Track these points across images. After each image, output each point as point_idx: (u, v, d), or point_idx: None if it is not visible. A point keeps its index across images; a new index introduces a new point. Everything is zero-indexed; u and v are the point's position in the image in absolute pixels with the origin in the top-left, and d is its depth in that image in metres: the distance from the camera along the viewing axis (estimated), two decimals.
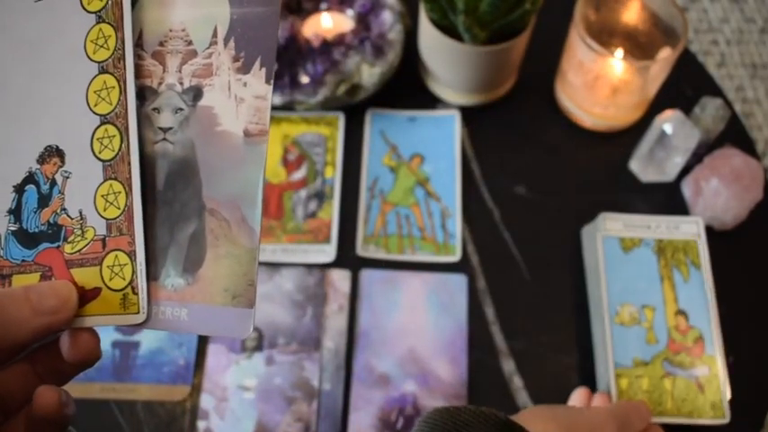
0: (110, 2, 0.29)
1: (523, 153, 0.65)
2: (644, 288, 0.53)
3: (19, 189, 0.29)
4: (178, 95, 0.29)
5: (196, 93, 0.29)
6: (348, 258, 0.59)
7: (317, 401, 0.53)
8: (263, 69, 0.28)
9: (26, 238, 0.29)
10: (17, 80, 0.29)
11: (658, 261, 0.54)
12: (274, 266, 0.58)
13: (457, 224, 0.60)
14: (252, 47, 0.29)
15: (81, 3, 0.29)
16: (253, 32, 0.29)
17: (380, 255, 0.59)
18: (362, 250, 0.59)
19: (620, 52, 0.61)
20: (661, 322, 0.52)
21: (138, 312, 0.27)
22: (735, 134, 0.64)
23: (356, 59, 0.63)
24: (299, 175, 0.63)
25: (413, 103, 0.67)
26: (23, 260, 0.29)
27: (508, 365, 0.55)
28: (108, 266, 0.28)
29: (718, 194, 0.58)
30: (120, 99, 0.28)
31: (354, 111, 0.66)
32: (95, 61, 0.29)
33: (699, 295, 0.53)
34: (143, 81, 0.29)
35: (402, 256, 0.59)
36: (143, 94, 0.29)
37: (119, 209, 0.28)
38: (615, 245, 0.55)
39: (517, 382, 0.55)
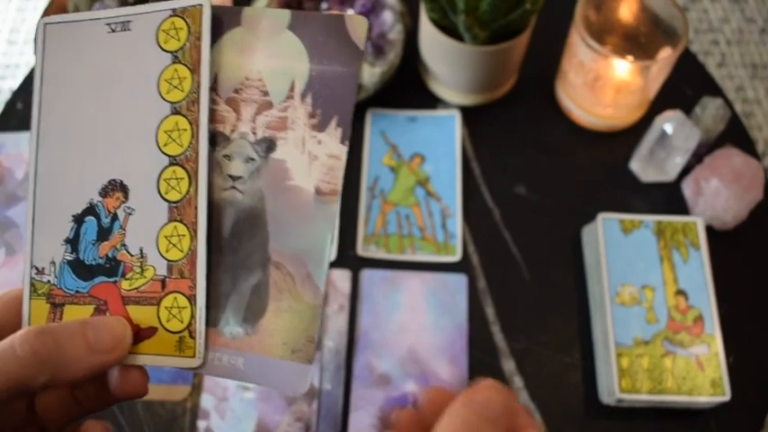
0: (188, 44, 0.28)
1: (524, 153, 0.65)
2: (644, 269, 0.54)
3: (78, 219, 0.29)
4: (251, 145, 0.29)
5: (269, 144, 0.29)
6: (348, 258, 0.59)
7: (317, 401, 0.53)
8: (339, 129, 0.28)
9: (82, 270, 0.28)
10: (87, 109, 0.29)
11: (658, 242, 0.55)
12: None
13: (457, 224, 0.61)
14: (329, 105, 0.28)
15: (157, 40, 0.29)
16: (330, 91, 0.28)
17: (381, 255, 0.59)
18: (363, 250, 0.59)
19: (620, 52, 0.61)
20: (661, 302, 0.53)
21: (194, 357, 0.27)
22: (735, 134, 0.64)
23: None
24: None
25: (413, 103, 0.67)
26: (77, 291, 0.28)
27: (508, 365, 0.55)
28: (166, 307, 0.28)
29: (718, 194, 0.58)
30: (191, 142, 0.28)
31: (355, 111, 0.66)
32: (168, 101, 0.28)
33: (698, 275, 0.54)
34: (216, 126, 0.29)
35: (402, 256, 0.59)
36: (214, 140, 0.29)
37: (182, 252, 0.28)
38: (615, 226, 0.56)
39: (517, 382, 0.55)
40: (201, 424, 0.52)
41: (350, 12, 0.68)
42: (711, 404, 0.51)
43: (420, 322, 0.56)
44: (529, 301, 0.58)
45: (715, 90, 0.67)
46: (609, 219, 0.56)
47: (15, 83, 1.36)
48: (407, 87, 0.68)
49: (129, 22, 0.29)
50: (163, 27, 0.29)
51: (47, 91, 0.30)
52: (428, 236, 0.60)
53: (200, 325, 0.27)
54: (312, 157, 0.28)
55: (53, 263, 0.29)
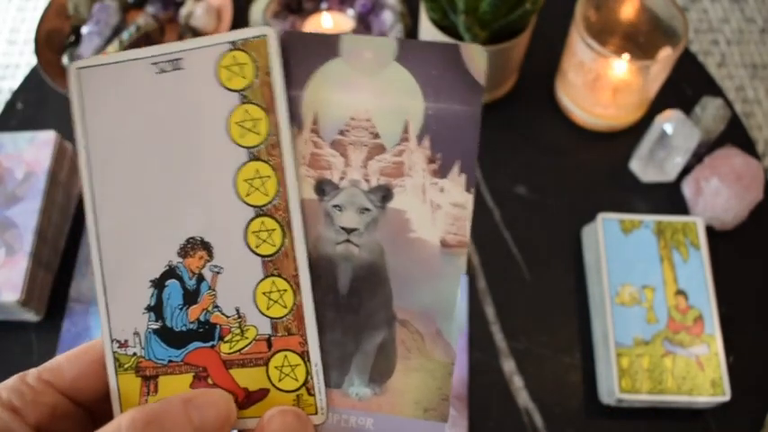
0: (256, 80, 0.25)
1: (523, 153, 0.65)
2: (644, 269, 0.54)
3: (158, 284, 0.26)
4: (364, 194, 0.26)
5: (385, 193, 0.26)
6: None
7: None
8: (463, 175, 0.26)
9: (172, 337, 0.26)
10: (147, 162, 0.26)
11: (658, 242, 0.55)
12: None
13: None
14: (450, 148, 0.26)
15: (219, 79, 0.26)
16: (450, 132, 0.26)
17: None
18: None
19: (620, 52, 0.61)
20: (661, 302, 0.53)
21: (316, 413, 0.26)
22: (735, 134, 0.64)
23: None
24: None
25: None
26: (171, 360, 0.26)
27: (508, 365, 0.55)
28: (276, 367, 0.26)
29: (718, 194, 0.58)
30: (278, 190, 0.26)
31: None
32: (243, 146, 0.26)
33: (698, 275, 0.54)
34: (321, 173, 0.26)
35: None
36: (322, 189, 0.26)
37: (285, 308, 0.26)
38: (615, 226, 0.56)
39: (517, 382, 0.55)
40: None
41: (350, 12, 0.68)
42: (711, 404, 0.51)
43: None
44: (529, 301, 0.58)
45: (715, 90, 0.67)
46: (609, 219, 0.56)
47: (15, 83, 1.36)
48: None
49: (179, 60, 0.26)
50: (222, 63, 0.26)
51: (95, 146, 0.27)
52: None
53: (317, 381, 0.26)
54: (435, 207, 0.26)
55: (137, 333, 0.26)
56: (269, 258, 0.26)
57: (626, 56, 0.61)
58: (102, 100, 0.27)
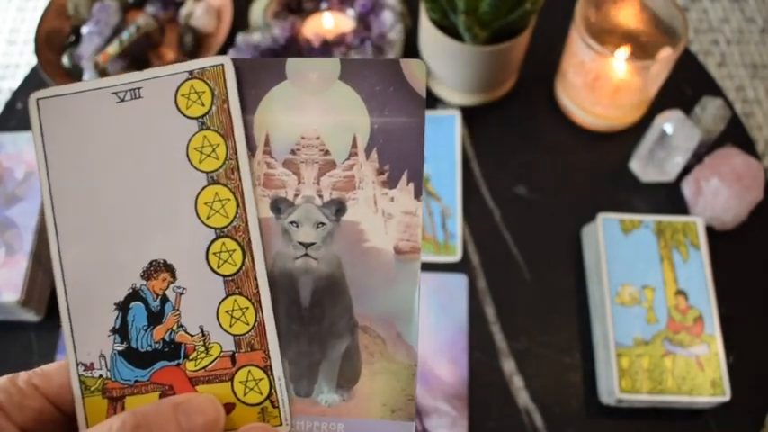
0: (214, 107, 0.26)
1: (524, 153, 0.65)
2: (644, 269, 0.54)
3: (122, 307, 0.27)
4: (318, 209, 0.27)
5: (339, 207, 0.27)
6: None
7: None
8: (412, 184, 0.27)
9: (138, 358, 0.27)
10: (107, 189, 0.27)
11: (658, 242, 0.55)
12: None
13: (457, 224, 0.61)
14: (397, 159, 0.27)
15: (177, 107, 0.27)
16: (396, 144, 0.27)
17: None
18: None
19: (620, 52, 0.61)
20: (661, 302, 0.53)
21: (281, 425, 0.27)
22: (735, 134, 0.64)
23: None
24: None
25: None
26: (137, 380, 0.27)
27: (508, 365, 0.55)
28: (240, 382, 0.27)
29: (718, 194, 0.58)
30: (237, 212, 0.27)
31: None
32: (203, 171, 0.27)
33: (698, 275, 0.54)
34: (276, 192, 0.27)
35: None
36: (277, 207, 0.27)
37: (248, 324, 0.27)
38: (615, 226, 0.56)
39: (517, 382, 0.55)
40: None
41: (350, 12, 0.68)
42: (711, 404, 0.51)
43: (420, 323, 0.56)
44: (529, 301, 0.58)
45: (715, 90, 0.67)
46: (609, 219, 0.56)
47: (15, 83, 1.36)
48: None
49: (139, 89, 0.27)
50: (181, 92, 0.27)
51: (56, 175, 0.27)
52: (428, 236, 0.60)
53: (281, 393, 0.27)
54: (387, 216, 0.27)
55: (102, 356, 0.27)
56: (230, 278, 0.27)
57: (626, 55, 0.61)
58: (62, 129, 0.27)
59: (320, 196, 0.27)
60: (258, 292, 0.27)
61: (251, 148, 0.27)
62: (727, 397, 0.49)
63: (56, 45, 0.69)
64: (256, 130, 0.27)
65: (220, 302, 0.27)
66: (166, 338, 0.27)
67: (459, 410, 0.53)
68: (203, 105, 0.27)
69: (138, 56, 0.68)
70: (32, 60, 0.68)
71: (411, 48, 0.67)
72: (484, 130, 0.66)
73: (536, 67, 0.68)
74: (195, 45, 0.68)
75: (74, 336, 0.27)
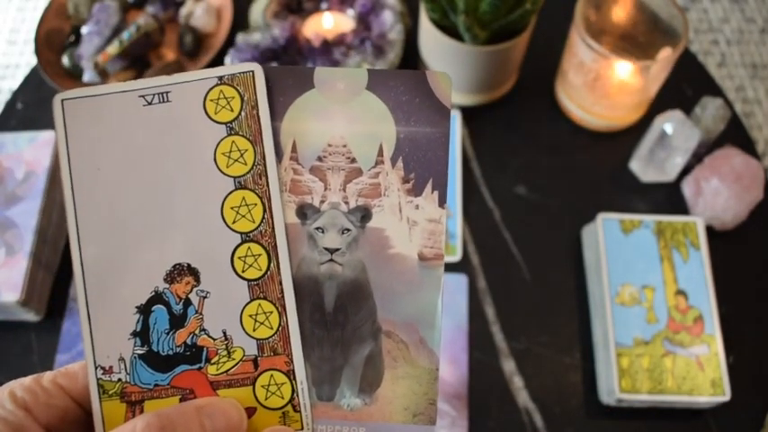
0: (243, 113, 0.27)
1: (523, 153, 0.65)
2: (644, 269, 0.54)
3: (144, 310, 0.27)
4: (344, 215, 0.28)
5: (364, 213, 0.28)
6: None
7: None
8: (436, 192, 0.28)
9: (158, 361, 0.27)
10: (133, 191, 0.27)
11: (658, 242, 0.55)
12: None
13: (457, 224, 0.61)
14: (422, 168, 0.28)
15: (206, 111, 0.27)
16: (422, 153, 0.28)
17: None
18: None
19: (620, 52, 0.61)
20: (661, 302, 0.53)
21: (302, 429, 0.27)
22: (735, 134, 0.64)
23: (357, 59, 0.63)
24: None
25: None
26: (157, 384, 0.27)
27: (508, 365, 0.55)
28: (263, 386, 0.27)
29: (718, 194, 0.58)
30: (264, 217, 0.27)
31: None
32: (230, 176, 0.27)
33: (698, 276, 0.54)
34: (303, 198, 0.28)
35: None
36: (303, 213, 0.28)
37: (271, 329, 0.27)
38: (615, 226, 0.56)
39: (517, 382, 0.55)
40: None
41: (350, 12, 0.68)
42: (711, 404, 0.51)
43: None
44: (529, 301, 0.58)
45: (715, 90, 0.67)
46: (609, 219, 0.56)
47: (15, 83, 1.36)
48: None
49: (167, 92, 0.27)
50: (210, 97, 0.27)
51: (79, 176, 0.27)
52: None
53: (302, 398, 0.27)
54: (411, 223, 0.28)
55: (122, 359, 0.27)
56: (255, 282, 0.27)
57: (626, 56, 0.61)
58: (87, 129, 0.27)
59: (346, 203, 0.28)
60: (283, 296, 0.27)
61: (278, 154, 0.27)
62: (727, 397, 0.50)
63: (56, 45, 0.69)
64: (283, 137, 0.27)
65: (244, 307, 0.27)
66: (188, 342, 0.27)
67: (458, 410, 0.53)
68: (232, 111, 0.27)
69: (138, 56, 0.68)
70: (32, 60, 0.68)
71: (411, 48, 0.67)
72: (484, 130, 0.66)
73: (536, 67, 0.68)
74: (195, 45, 0.68)
75: (93, 339, 0.27)
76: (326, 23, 0.68)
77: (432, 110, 0.27)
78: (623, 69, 0.59)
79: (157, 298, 0.27)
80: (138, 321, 0.27)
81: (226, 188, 0.27)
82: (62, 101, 0.27)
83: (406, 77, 0.27)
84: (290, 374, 0.27)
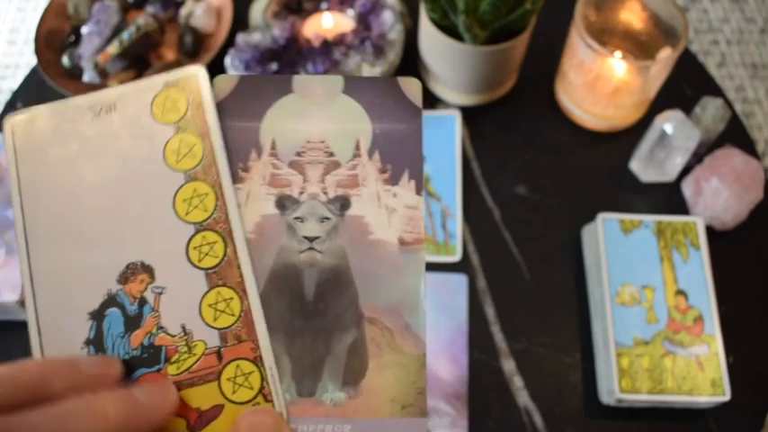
0: (189, 112, 0.28)
1: (524, 153, 0.65)
2: (644, 269, 0.54)
3: (96, 315, 0.26)
4: (323, 205, 0.28)
5: (343, 202, 0.28)
6: None
7: None
8: (413, 181, 0.29)
9: None
10: (81, 197, 0.27)
11: (658, 242, 0.55)
12: None
13: (457, 224, 0.61)
14: (398, 160, 0.29)
15: (152, 114, 0.28)
16: (397, 146, 0.29)
17: None
18: None
19: (620, 52, 0.61)
20: (661, 302, 0.53)
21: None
22: (735, 134, 0.64)
23: (357, 59, 0.63)
24: None
25: None
26: None
27: (508, 365, 0.55)
28: (228, 379, 0.26)
29: (718, 194, 0.58)
30: (217, 204, 0.27)
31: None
32: (180, 170, 0.27)
33: (698, 276, 0.54)
34: (282, 190, 0.28)
35: None
36: (283, 204, 0.28)
37: (233, 315, 0.26)
38: (615, 226, 0.56)
39: (517, 382, 0.55)
40: None
41: (350, 12, 0.68)
42: (711, 404, 0.51)
43: None
44: (529, 301, 0.58)
45: (715, 90, 0.67)
46: (609, 219, 0.56)
47: (15, 83, 1.36)
48: None
49: (114, 104, 0.28)
50: (157, 102, 0.28)
51: (27, 187, 0.27)
52: (428, 236, 0.60)
53: (273, 385, 0.26)
54: (390, 210, 0.28)
55: None
56: (212, 270, 0.27)
57: (626, 56, 0.61)
58: (34, 137, 0.28)
59: (325, 193, 0.29)
60: (242, 280, 0.27)
61: (257, 151, 0.28)
62: (727, 397, 0.50)
63: (56, 45, 0.69)
64: (263, 136, 0.28)
65: (203, 297, 0.26)
66: (145, 343, 0.26)
67: (458, 410, 0.53)
68: (178, 111, 0.28)
69: (138, 56, 0.68)
70: (32, 60, 0.68)
71: (411, 48, 0.67)
72: (484, 130, 0.66)
73: (536, 67, 0.68)
74: (195, 45, 0.68)
75: (43, 350, 0.26)
76: (326, 23, 0.68)
77: (404, 110, 0.29)
78: (623, 69, 0.59)
79: (110, 301, 0.26)
80: (90, 328, 0.26)
81: (177, 182, 0.27)
82: (12, 126, 0.28)
83: (379, 82, 0.29)
84: (258, 361, 0.26)
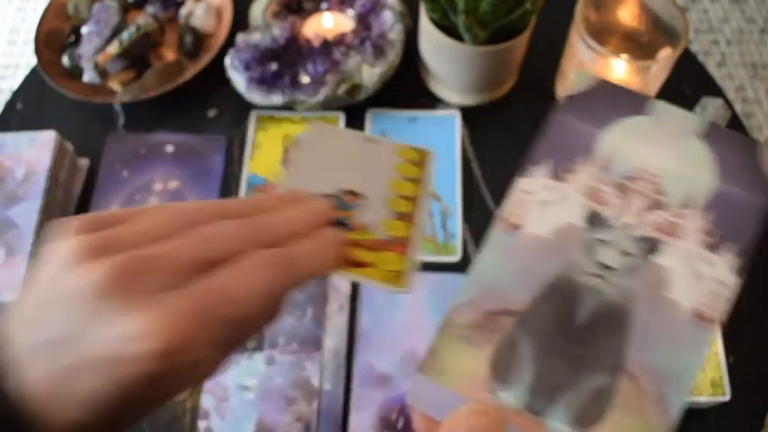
0: (414, 167, 0.34)
1: (524, 153, 0.65)
2: None
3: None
4: (632, 239, 0.27)
5: (653, 246, 0.27)
6: None
7: (318, 401, 0.53)
8: (737, 260, 0.27)
9: None
10: (333, 177, 0.34)
11: None
12: None
13: (457, 224, 0.61)
14: (729, 230, 0.27)
15: (394, 151, 0.35)
16: (733, 215, 0.27)
17: None
18: None
19: (620, 52, 0.61)
20: None
21: (405, 286, 0.29)
22: None
23: (357, 59, 0.63)
24: None
25: (413, 103, 0.67)
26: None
27: None
28: (382, 258, 0.31)
29: None
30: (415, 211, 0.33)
31: (355, 111, 0.66)
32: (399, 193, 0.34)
33: None
34: (597, 207, 0.27)
35: None
36: (592, 220, 0.27)
37: (403, 229, 0.32)
38: None
39: None
40: (202, 424, 0.52)
41: (350, 12, 0.68)
42: (711, 404, 0.51)
43: (420, 322, 0.56)
44: None
45: (715, 90, 0.67)
46: None
47: (15, 83, 1.36)
48: (407, 87, 0.68)
49: (377, 140, 0.35)
50: (400, 150, 0.35)
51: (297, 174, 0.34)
52: (428, 236, 0.60)
53: (413, 255, 0.30)
54: (698, 276, 0.26)
55: None
56: (402, 212, 0.32)
57: (626, 56, 0.61)
58: (315, 138, 0.35)
59: (638, 228, 0.27)
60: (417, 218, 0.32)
61: (588, 158, 0.28)
62: (727, 397, 0.49)
63: (56, 45, 0.69)
64: (600, 145, 0.28)
65: (383, 219, 0.32)
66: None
67: None
68: (412, 163, 0.35)
69: (138, 56, 0.68)
70: (32, 60, 0.68)
71: (411, 48, 0.67)
72: (484, 130, 0.66)
73: (536, 67, 0.68)
74: (195, 45, 0.68)
75: None
76: (326, 23, 0.68)
77: (755, 179, 0.27)
78: (623, 69, 0.59)
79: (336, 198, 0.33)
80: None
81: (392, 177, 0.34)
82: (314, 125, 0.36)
83: (741, 140, 0.28)
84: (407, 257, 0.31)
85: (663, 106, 0.29)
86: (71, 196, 0.63)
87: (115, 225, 0.25)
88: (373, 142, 0.35)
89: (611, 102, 0.29)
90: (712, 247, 0.27)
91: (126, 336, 0.22)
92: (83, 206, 0.63)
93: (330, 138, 0.36)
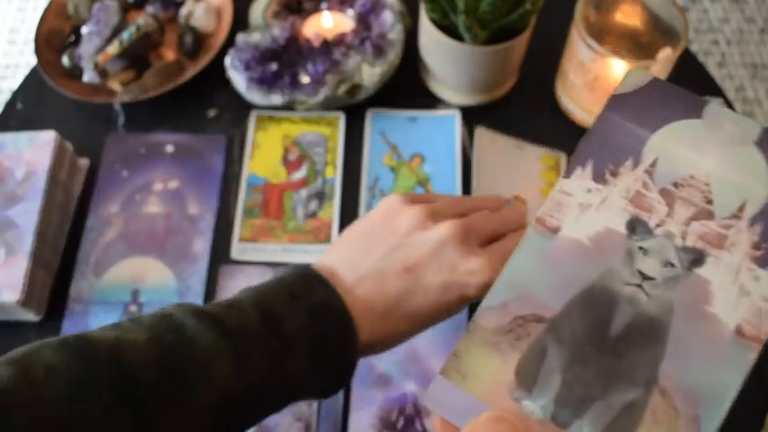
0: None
1: None
2: None
3: None
4: (675, 249, 0.26)
5: (697, 257, 0.26)
6: None
7: (317, 401, 0.53)
8: None
9: None
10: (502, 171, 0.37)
11: None
12: (275, 266, 0.58)
13: None
14: None
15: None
16: None
17: None
18: None
19: (620, 52, 0.61)
20: None
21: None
22: None
23: (357, 59, 0.63)
24: (299, 174, 0.63)
25: (413, 103, 0.67)
26: None
27: None
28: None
29: None
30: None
31: (355, 111, 0.66)
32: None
33: None
34: (640, 213, 0.26)
35: None
36: (633, 226, 0.26)
37: None
38: None
39: None
40: None
41: (350, 12, 0.68)
42: None
43: None
44: None
45: (715, 90, 0.67)
46: None
47: (15, 83, 1.36)
48: (407, 87, 0.68)
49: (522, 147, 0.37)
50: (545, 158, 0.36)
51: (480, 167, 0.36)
52: None
53: None
54: (743, 292, 0.25)
55: None
56: None
57: (626, 56, 0.61)
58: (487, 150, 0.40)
59: (683, 238, 0.26)
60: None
61: (634, 161, 0.27)
62: None
63: (56, 45, 0.69)
64: (648, 149, 0.27)
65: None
66: None
67: None
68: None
69: (138, 56, 0.68)
70: (32, 60, 0.68)
71: (411, 48, 0.67)
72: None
73: (536, 67, 0.68)
74: (195, 45, 0.68)
75: None
76: (326, 23, 0.68)
77: None
78: (623, 69, 0.59)
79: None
80: None
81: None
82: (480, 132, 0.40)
83: None
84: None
85: (718, 109, 0.27)
86: (71, 196, 0.63)
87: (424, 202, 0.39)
88: (520, 149, 0.36)
89: (663, 103, 0.27)
90: (761, 262, 0.25)
91: (471, 269, 0.35)
92: (83, 206, 0.63)
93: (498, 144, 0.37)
